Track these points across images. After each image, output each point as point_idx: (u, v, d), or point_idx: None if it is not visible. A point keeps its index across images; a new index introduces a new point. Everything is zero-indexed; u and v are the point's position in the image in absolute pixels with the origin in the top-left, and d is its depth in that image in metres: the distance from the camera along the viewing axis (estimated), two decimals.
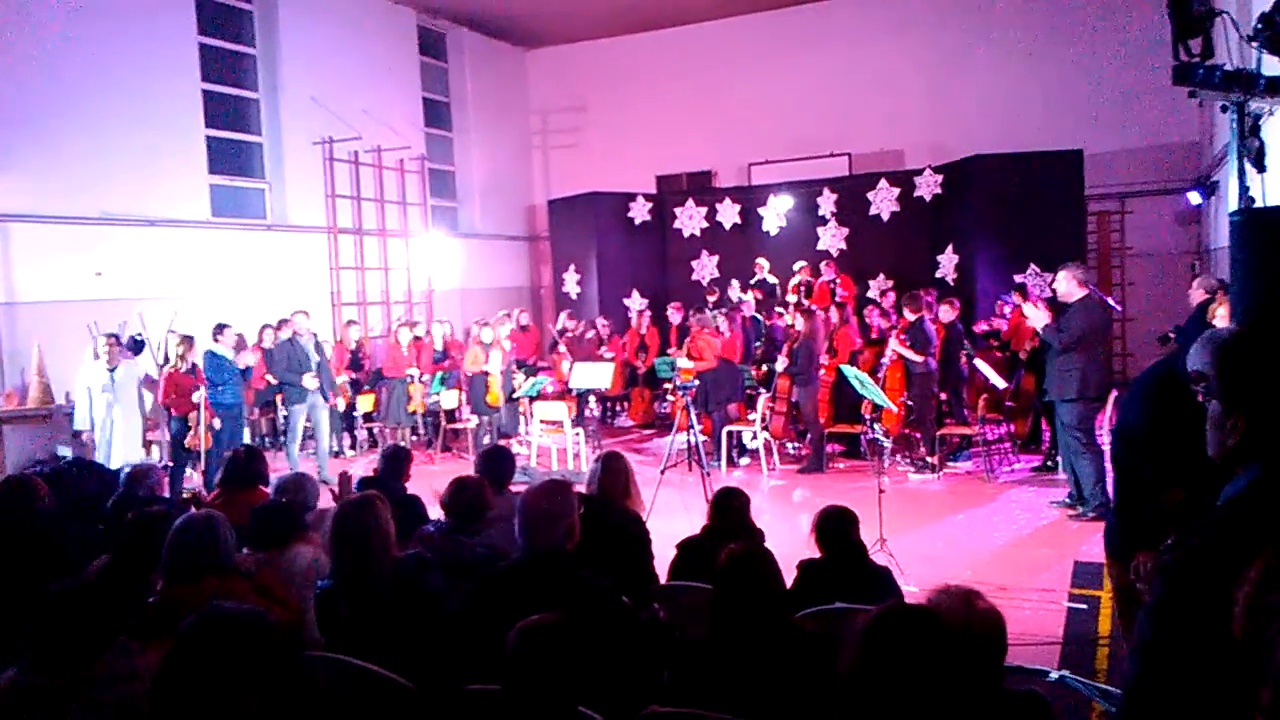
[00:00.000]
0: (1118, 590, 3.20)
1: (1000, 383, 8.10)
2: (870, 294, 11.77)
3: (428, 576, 3.21)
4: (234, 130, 11.70)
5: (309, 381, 8.78)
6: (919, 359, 8.17)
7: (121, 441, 7.86)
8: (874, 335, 9.55)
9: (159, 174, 10.15)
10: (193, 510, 3.72)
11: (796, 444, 9.29)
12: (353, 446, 10.67)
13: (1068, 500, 7.02)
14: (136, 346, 9.20)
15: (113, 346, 7.96)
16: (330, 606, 3.10)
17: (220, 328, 8.66)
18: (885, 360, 8.29)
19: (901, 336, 8.29)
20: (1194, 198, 11.40)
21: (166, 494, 5.61)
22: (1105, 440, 7.40)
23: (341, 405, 9.67)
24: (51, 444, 8.45)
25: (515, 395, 9.86)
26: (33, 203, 8.93)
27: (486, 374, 9.69)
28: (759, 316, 10.94)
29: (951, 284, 11.29)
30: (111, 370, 7.83)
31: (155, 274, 10.03)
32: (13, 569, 3.55)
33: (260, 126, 12.02)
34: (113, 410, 7.85)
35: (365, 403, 10.56)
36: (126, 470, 5.07)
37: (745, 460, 9.19)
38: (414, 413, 10.24)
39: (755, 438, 8.87)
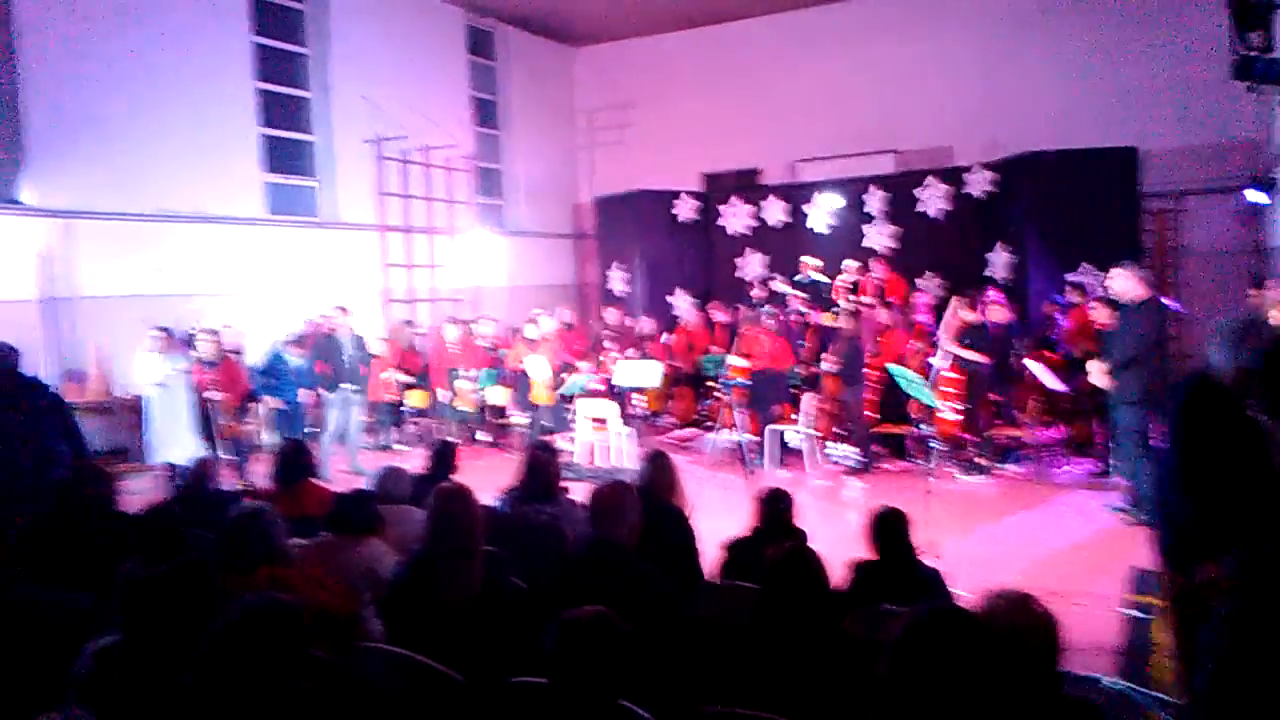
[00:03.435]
0: (1171, 600, 3.13)
1: (1056, 384, 7.95)
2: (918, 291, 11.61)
3: (508, 573, 3.28)
4: (287, 129, 11.91)
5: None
6: (982, 359, 8.05)
7: (175, 435, 8.03)
8: (917, 329, 9.43)
9: (216, 172, 10.38)
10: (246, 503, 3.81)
11: (844, 444, 9.18)
12: (401, 442, 10.81)
13: (1126, 505, 6.87)
14: (190, 342, 9.42)
15: (165, 340, 8.13)
16: (412, 592, 3.13)
17: (293, 339, 8.89)
18: (937, 363, 8.14)
19: (959, 338, 8.15)
20: (1253, 195, 11.08)
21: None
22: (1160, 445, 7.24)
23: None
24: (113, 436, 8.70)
25: (562, 392, 9.90)
26: (95, 199, 9.18)
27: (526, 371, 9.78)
28: (804, 310, 10.85)
29: (1003, 283, 11.11)
30: (169, 364, 8.00)
31: (212, 270, 10.26)
32: (89, 551, 3.70)
33: (312, 125, 12.22)
34: (167, 405, 8.02)
35: (416, 398, 10.68)
36: (190, 464, 5.20)
37: (787, 459, 9.13)
38: (463, 409, 10.35)
39: (804, 438, 8.81)
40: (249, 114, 11.03)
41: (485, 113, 15.23)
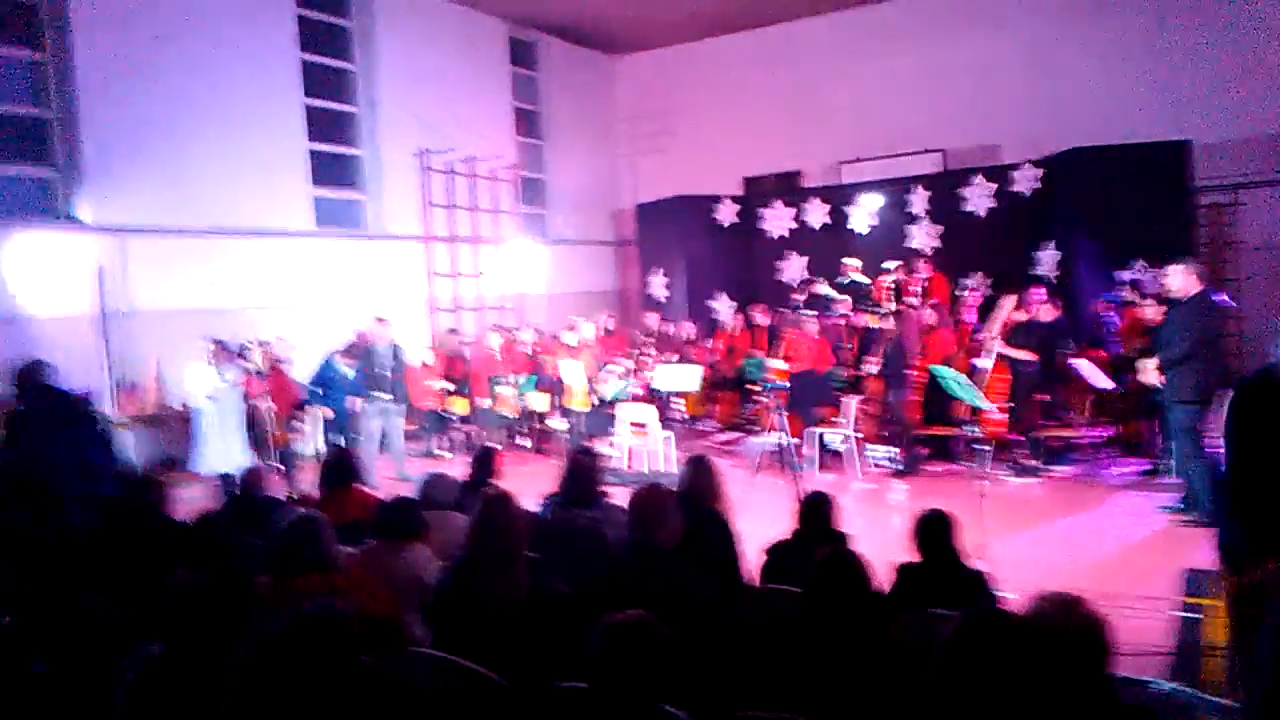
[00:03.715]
0: (1230, 601, 3.07)
1: (1104, 383, 7.80)
2: (961, 291, 11.43)
3: (552, 578, 3.31)
4: (335, 143, 12.11)
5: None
6: (1033, 357, 7.93)
7: (225, 445, 8.19)
8: (962, 329, 9.30)
9: (266, 186, 10.60)
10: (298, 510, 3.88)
11: (887, 447, 9.08)
12: (445, 448, 10.91)
13: (1180, 505, 6.71)
14: (241, 353, 9.62)
15: (218, 351, 8.30)
16: (456, 597, 3.16)
17: (348, 349, 9.05)
18: (981, 364, 8.02)
19: (1007, 338, 8.03)
20: None
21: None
22: (1213, 444, 7.06)
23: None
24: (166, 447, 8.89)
25: (605, 399, 9.93)
26: (149, 216, 9.41)
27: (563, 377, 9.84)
28: (847, 312, 10.73)
29: (1052, 282, 10.91)
30: (220, 375, 8.17)
31: (264, 283, 10.47)
32: (143, 559, 3.80)
33: (359, 139, 12.42)
34: (218, 415, 8.19)
35: (458, 405, 10.79)
36: (241, 473, 5.31)
37: (830, 462, 9.05)
38: (505, 415, 10.43)
39: (847, 441, 8.73)
40: (298, 129, 11.24)
41: (528, 123, 15.35)
